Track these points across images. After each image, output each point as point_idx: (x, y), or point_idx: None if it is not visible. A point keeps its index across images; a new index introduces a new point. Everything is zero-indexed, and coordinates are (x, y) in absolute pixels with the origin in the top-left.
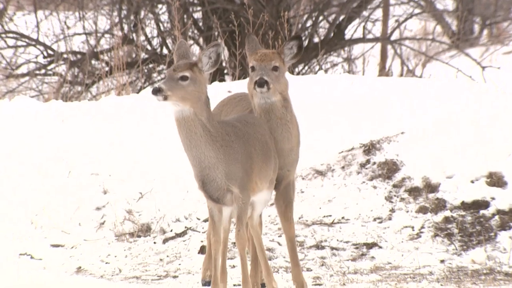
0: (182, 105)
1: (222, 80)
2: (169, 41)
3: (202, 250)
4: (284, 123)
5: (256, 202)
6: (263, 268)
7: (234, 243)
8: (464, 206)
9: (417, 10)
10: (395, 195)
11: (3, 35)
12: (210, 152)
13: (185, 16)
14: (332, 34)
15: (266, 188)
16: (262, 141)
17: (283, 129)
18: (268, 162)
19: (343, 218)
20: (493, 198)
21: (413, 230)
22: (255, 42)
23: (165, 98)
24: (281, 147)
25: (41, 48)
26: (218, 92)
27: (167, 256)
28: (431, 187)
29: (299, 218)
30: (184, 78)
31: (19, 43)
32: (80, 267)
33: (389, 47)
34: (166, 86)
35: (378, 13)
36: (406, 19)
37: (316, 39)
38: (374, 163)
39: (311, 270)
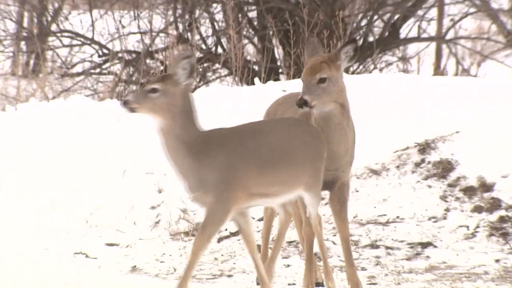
0: (154, 117)
1: (277, 79)
2: (223, 40)
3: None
4: (341, 128)
5: (299, 202)
6: (323, 266)
7: (291, 242)
8: None
9: (472, 9)
10: (450, 195)
11: (59, 34)
12: (183, 160)
13: (240, 15)
14: (387, 33)
15: (300, 189)
16: (269, 148)
17: (340, 133)
18: (276, 168)
19: (398, 217)
20: None
21: (468, 229)
22: (314, 45)
23: (132, 110)
24: (337, 149)
25: (96, 47)
26: (273, 92)
27: (222, 255)
28: (486, 187)
29: (354, 218)
30: (153, 90)
31: (74, 42)
32: (135, 266)
33: (444, 46)
34: (134, 99)
35: (433, 12)
36: (461, 18)
37: (371, 38)
38: (429, 162)
39: (366, 270)
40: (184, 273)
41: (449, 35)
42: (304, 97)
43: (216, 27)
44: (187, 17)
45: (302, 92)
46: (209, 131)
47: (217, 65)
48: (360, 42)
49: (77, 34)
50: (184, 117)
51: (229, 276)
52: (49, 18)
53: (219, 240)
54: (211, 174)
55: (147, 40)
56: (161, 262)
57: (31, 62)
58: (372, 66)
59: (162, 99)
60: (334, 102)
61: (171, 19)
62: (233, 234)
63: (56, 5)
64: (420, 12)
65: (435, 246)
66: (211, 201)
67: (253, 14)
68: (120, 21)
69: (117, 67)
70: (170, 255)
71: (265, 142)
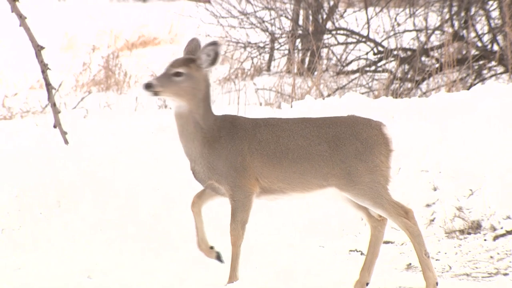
0: (178, 100)
1: None
2: (499, 38)
3: None
4: None
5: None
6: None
7: None
8: None
9: None
10: None
11: (334, 32)
12: (197, 147)
13: None
14: None
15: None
16: (274, 143)
17: None
18: (281, 164)
19: None
20: None
21: None
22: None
23: (156, 94)
24: None
25: (371, 45)
26: None
27: (498, 254)
28: None
29: None
30: (178, 74)
31: (349, 40)
32: (409, 264)
33: None
34: (158, 82)
35: None
36: None
37: None
38: None
39: None
40: (231, 264)
41: None
42: None
43: (492, 24)
44: (462, 14)
45: None
46: (222, 118)
47: (492, 63)
48: None
49: (352, 32)
50: (204, 102)
51: (505, 274)
52: (324, 16)
53: (495, 238)
54: (219, 161)
55: (422, 38)
56: (436, 260)
57: (306, 59)
58: None
59: (186, 82)
60: None
61: (447, 16)
62: (509, 232)
63: (332, 2)
64: None
65: None
66: (227, 189)
67: None
68: (395, 19)
69: (392, 65)
70: (445, 253)
71: (267, 137)
